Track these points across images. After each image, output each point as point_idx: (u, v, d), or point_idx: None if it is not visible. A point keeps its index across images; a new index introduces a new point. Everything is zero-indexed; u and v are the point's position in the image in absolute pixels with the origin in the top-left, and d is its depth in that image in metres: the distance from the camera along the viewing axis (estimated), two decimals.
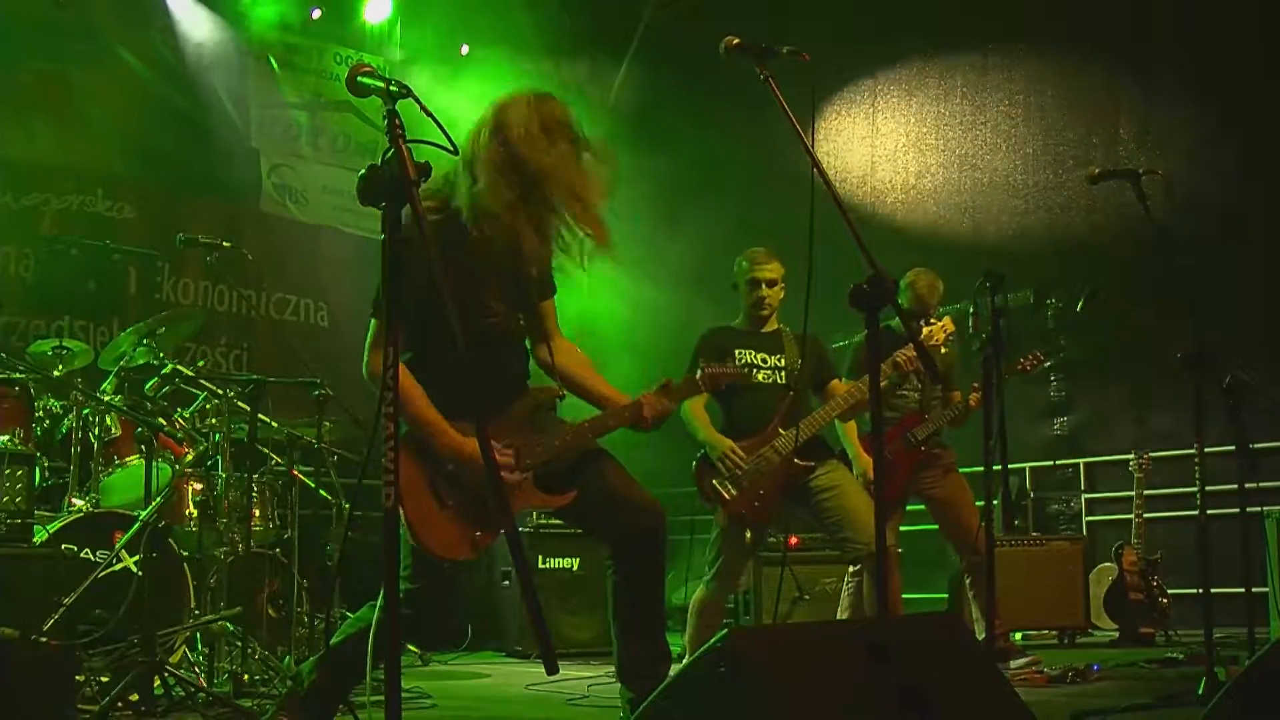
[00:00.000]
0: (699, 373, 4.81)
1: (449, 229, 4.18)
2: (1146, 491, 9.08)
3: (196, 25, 11.19)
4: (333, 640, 4.51)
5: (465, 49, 12.36)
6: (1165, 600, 9.07)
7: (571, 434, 4.45)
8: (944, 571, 9.18)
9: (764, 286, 6.63)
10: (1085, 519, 10.77)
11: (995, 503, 5.81)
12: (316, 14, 11.84)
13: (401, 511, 4.03)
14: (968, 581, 7.41)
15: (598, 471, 4.46)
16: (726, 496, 6.30)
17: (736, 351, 6.55)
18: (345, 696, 4.51)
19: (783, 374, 6.55)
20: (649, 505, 4.50)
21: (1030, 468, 10.76)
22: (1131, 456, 9.15)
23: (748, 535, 6.36)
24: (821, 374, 6.68)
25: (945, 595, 9.16)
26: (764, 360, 6.57)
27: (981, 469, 5.42)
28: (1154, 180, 5.79)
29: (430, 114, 3.75)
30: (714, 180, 11.90)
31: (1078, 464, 10.80)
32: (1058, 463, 10.68)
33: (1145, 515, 9.11)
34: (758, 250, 6.72)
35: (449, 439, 4.14)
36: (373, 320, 4.26)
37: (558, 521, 9.09)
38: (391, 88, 3.18)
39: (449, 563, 4.19)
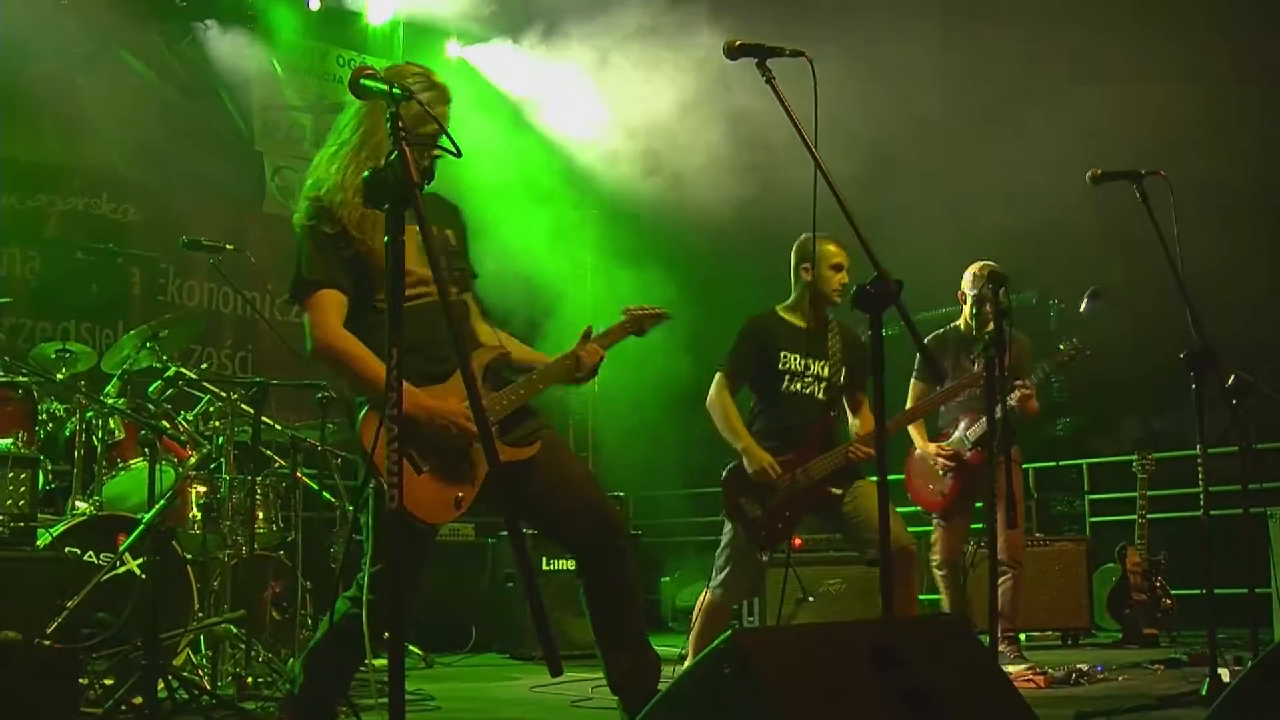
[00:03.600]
0: (623, 314, 4.89)
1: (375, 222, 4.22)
2: (1150, 492, 9.08)
3: (202, 29, 11.19)
4: (311, 641, 4.53)
5: (454, 49, 12.45)
6: (1169, 601, 9.07)
7: (524, 386, 4.47)
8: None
9: (845, 273, 6.40)
10: (1088, 520, 10.78)
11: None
12: (315, 3, 11.81)
13: (378, 480, 3.99)
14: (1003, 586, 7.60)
15: (559, 468, 4.47)
16: (750, 517, 6.18)
17: (783, 354, 6.37)
18: (340, 694, 4.52)
19: (822, 387, 6.36)
20: (608, 514, 4.51)
21: (1033, 468, 10.75)
22: (1135, 457, 9.15)
23: (761, 555, 6.28)
24: (855, 382, 6.48)
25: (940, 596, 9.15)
26: (806, 368, 6.38)
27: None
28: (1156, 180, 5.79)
29: (433, 117, 3.77)
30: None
31: (1081, 465, 10.81)
32: (1060, 463, 10.68)
33: (1148, 516, 9.11)
34: (823, 235, 6.37)
35: (413, 397, 4.06)
36: (304, 302, 4.26)
37: None
38: (394, 90, 3.18)
39: (422, 526, 4.17)
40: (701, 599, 6.48)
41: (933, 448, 7.46)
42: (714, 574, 6.40)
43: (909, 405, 7.47)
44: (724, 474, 6.32)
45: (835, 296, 6.42)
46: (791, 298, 6.55)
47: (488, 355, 4.47)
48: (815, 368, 6.38)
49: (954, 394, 6.95)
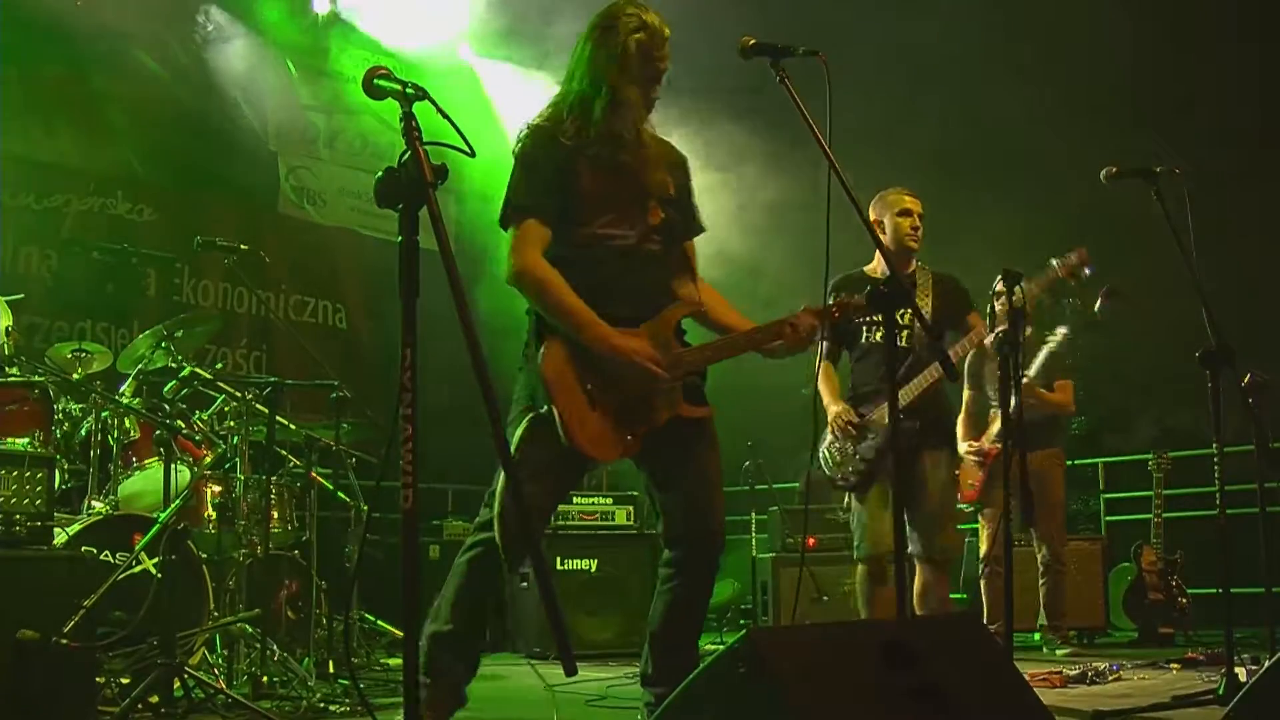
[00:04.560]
0: (833, 298, 4.86)
1: (583, 151, 4.36)
2: (1165, 491, 9.06)
3: (217, 30, 11.21)
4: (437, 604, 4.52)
5: (464, 49, 12.42)
6: (1185, 600, 9.05)
7: (719, 345, 4.52)
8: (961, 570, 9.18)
9: (916, 217, 6.54)
10: (1104, 518, 10.76)
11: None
12: (323, 6, 11.80)
13: (554, 410, 4.14)
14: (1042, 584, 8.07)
15: (705, 463, 4.48)
16: (833, 463, 6.43)
17: None
18: (479, 643, 4.65)
19: (905, 334, 6.40)
20: (718, 528, 4.51)
21: None
22: (1150, 456, 9.14)
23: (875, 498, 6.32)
24: (959, 312, 6.55)
25: (964, 595, 9.16)
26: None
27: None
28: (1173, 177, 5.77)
29: (447, 116, 3.75)
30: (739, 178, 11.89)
31: (1096, 463, 10.78)
32: (1076, 462, 10.66)
33: (1164, 515, 9.09)
34: (903, 188, 6.65)
35: (599, 330, 4.19)
36: (509, 229, 4.33)
37: (577, 522, 9.11)
38: (408, 90, 3.17)
39: (586, 460, 4.29)
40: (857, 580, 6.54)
41: (964, 444, 7.68)
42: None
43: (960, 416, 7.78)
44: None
45: (908, 242, 6.53)
46: (874, 260, 6.65)
47: (681, 311, 4.49)
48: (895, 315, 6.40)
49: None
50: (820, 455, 6.52)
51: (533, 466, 4.16)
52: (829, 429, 6.50)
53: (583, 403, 4.21)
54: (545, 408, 4.16)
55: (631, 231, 4.41)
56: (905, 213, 6.53)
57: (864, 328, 6.50)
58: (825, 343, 6.59)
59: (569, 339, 4.23)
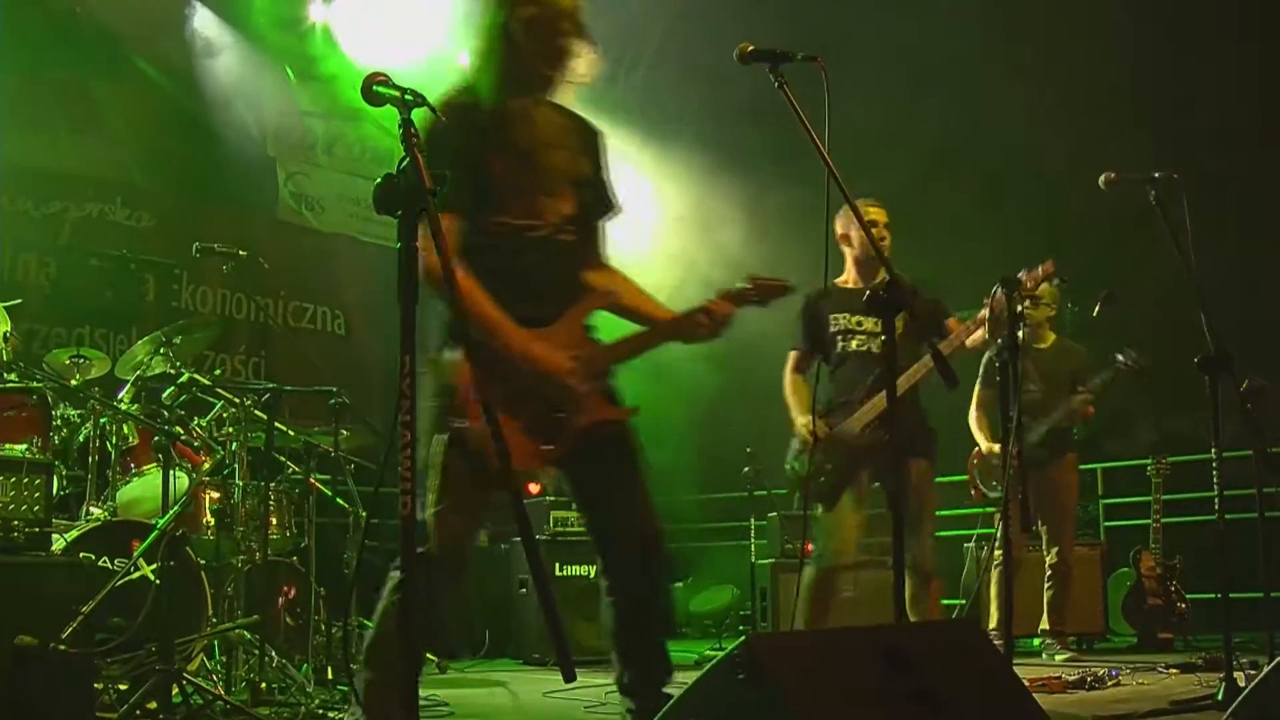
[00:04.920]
0: (749, 280, 4.46)
1: (489, 127, 4.13)
2: (1164, 496, 9.06)
3: (213, 36, 11.20)
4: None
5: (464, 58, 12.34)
6: (1184, 605, 9.05)
7: (635, 340, 4.34)
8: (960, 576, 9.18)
9: (882, 227, 6.52)
10: (1103, 524, 10.75)
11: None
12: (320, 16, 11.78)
13: (465, 421, 3.94)
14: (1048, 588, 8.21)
15: (628, 467, 4.28)
16: (801, 474, 6.42)
17: (831, 317, 6.52)
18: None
19: (878, 342, 6.36)
20: (653, 532, 4.32)
21: None
22: (1149, 461, 9.14)
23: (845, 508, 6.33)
24: (936, 320, 6.48)
25: (962, 601, 9.15)
26: (859, 324, 6.48)
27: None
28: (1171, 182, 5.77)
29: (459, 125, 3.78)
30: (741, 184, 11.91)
31: (1095, 469, 10.78)
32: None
33: (1163, 520, 9.08)
34: (869, 198, 6.55)
35: (513, 337, 4.02)
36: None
37: (575, 529, 9.10)
38: (406, 96, 3.17)
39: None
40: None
41: (997, 447, 7.81)
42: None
43: (973, 414, 8.09)
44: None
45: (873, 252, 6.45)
46: (844, 271, 6.69)
47: (594, 304, 4.30)
48: (868, 324, 6.45)
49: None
50: (787, 467, 6.55)
51: (455, 494, 4.04)
52: (796, 440, 6.52)
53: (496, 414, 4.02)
54: (455, 419, 3.98)
55: (542, 221, 4.18)
56: (871, 224, 6.42)
57: (839, 337, 6.50)
58: (794, 353, 6.65)
59: (481, 346, 3.98)
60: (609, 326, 4.42)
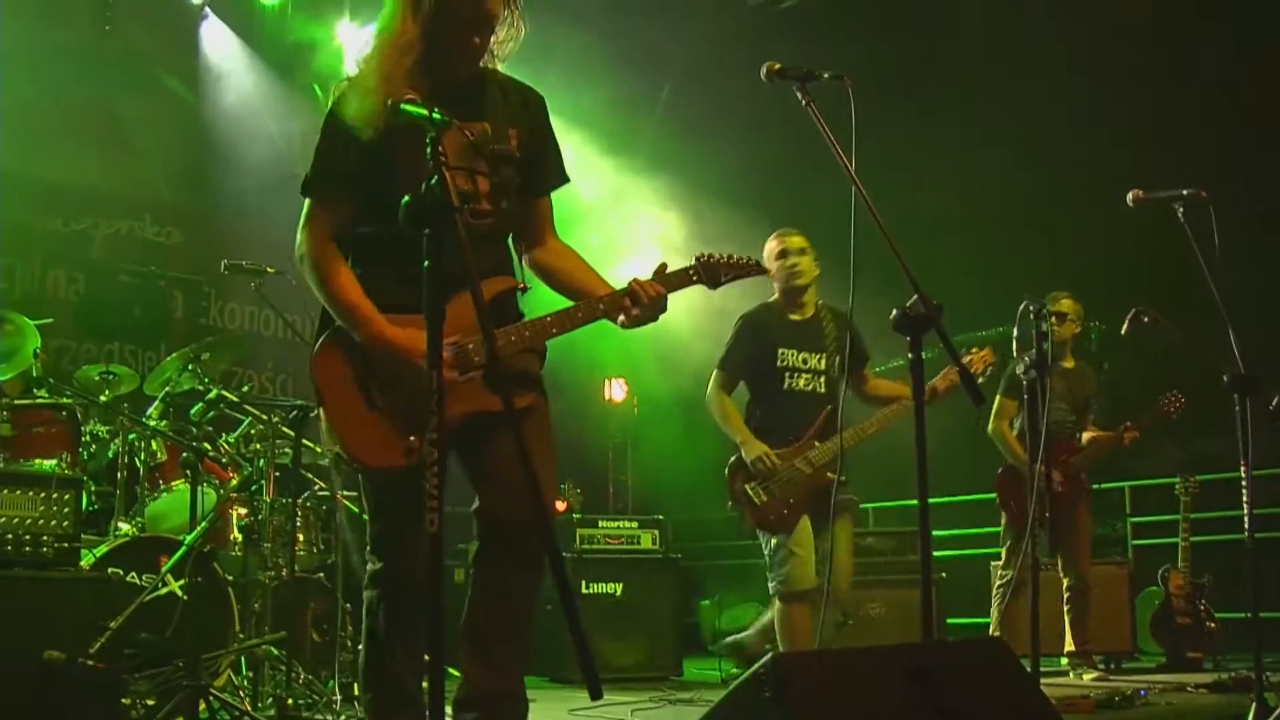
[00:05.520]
0: (694, 259, 4.22)
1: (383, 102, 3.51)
2: (1193, 515, 9.01)
3: (239, 55, 11.27)
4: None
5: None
6: (1213, 624, 8.99)
7: (529, 328, 3.90)
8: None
9: (794, 255, 6.59)
10: (1131, 542, 10.70)
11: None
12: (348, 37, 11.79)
13: (323, 413, 3.80)
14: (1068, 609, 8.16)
15: (518, 451, 3.45)
16: (756, 502, 6.37)
17: (780, 351, 6.56)
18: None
19: (822, 380, 6.56)
20: (522, 521, 3.81)
21: None
22: (1177, 480, 9.08)
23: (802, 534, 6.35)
24: (855, 359, 6.56)
25: (989, 620, 9.11)
26: (804, 362, 6.56)
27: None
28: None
29: (474, 143, 3.76)
30: (761, 204, 11.91)
31: (1123, 487, 10.73)
32: (1102, 485, 10.60)
33: (1192, 539, 9.03)
34: (783, 229, 6.74)
35: (374, 327, 3.74)
36: (305, 200, 3.97)
37: (601, 546, 9.08)
38: (434, 115, 3.16)
39: (368, 469, 3.84)
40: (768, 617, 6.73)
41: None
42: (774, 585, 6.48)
43: (996, 425, 8.15)
44: (726, 469, 6.54)
45: (792, 281, 6.61)
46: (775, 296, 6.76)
47: (496, 287, 3.94)
48: (813, 361, 6.56)
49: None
50: (741, 493, 6.47)
51: (372, 499, 3.96)
52: (742, 468, 6.50)
53: (358, 406, 3.78)
54: (315, 411, 3.89)
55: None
56: (782, 254, 6.61)
57: (786, 373, 6.54)
58: (724, 374, 6.68)
59: (349, 335, 3.79)
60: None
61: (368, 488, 4.00)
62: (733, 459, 6.52)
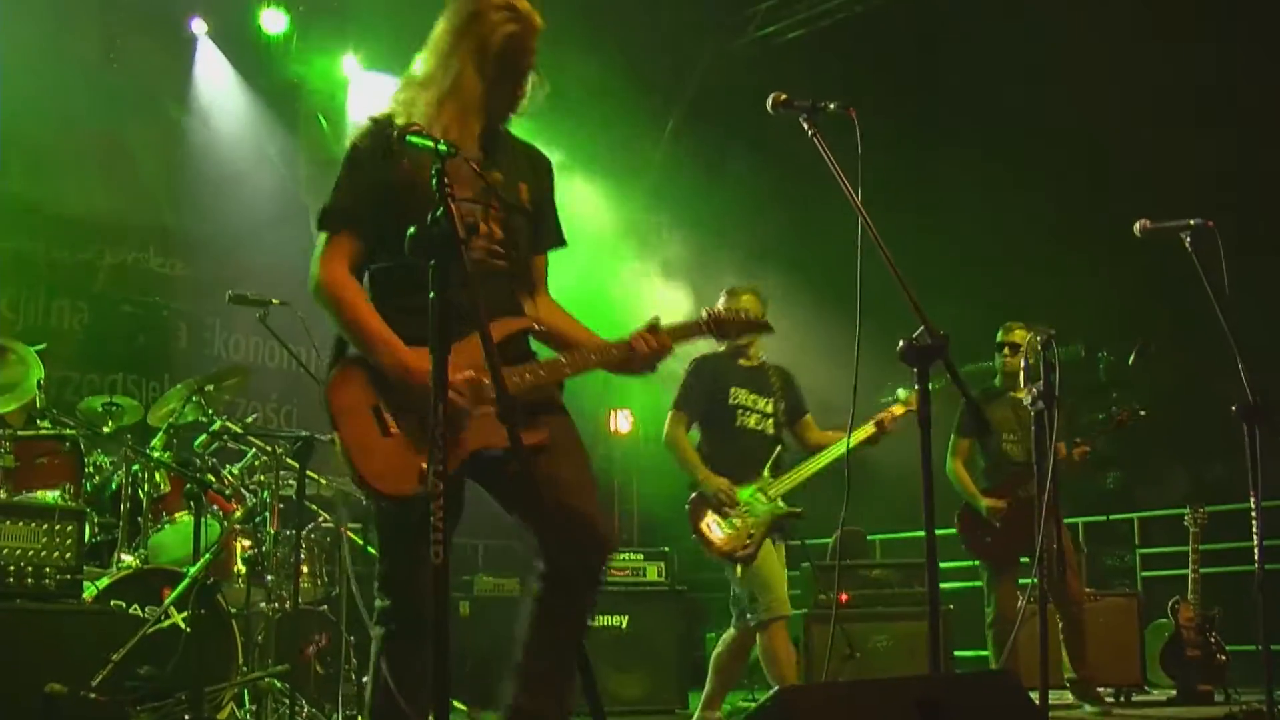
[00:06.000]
0: (703, 312, 4.28)
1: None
2: (1202, 545, 8.95)
3: (236, 85, 11.27)
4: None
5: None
6: (1223, 657, 8.91)
7: (546, 368, 3.96)
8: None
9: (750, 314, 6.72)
10: (1140, 574, 10.64)
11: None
12: (354, 67, 11.80)
13: (337, 439, 3.75)
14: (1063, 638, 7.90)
15: (560, 459, 3.86)
16: (721, 534, 6.61)
17: (732, 390, 6.86)
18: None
19: (770, 423, 6.87)
20: (603, 533, 3.90)
21: (1083, 522, 10.63)
22: (1186, 510, 9.02)
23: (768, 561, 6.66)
24: (796, 409, 7.01)
25: (990, 653, 9.05)
26: (754, 403, 6.88)
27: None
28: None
29: (480, 174, 3.74)
30: (764, 233, 11.91)
31: (1131, 518, 10.68)
32: (1111, 517, 10.55)
33: (1201, 570, 8.96)
34: (736, 287, 7.04)
35: (398, 354, 3.72)
36: (321, 234, 3.98)
37: (607, 579, 9.01)
38: (440, 146, 3.16)
39: (383, 500, 3.76)
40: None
41: (986, 501, 7.69)
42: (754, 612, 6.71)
43: (952, 464, 7.80)
44: (687, 505, 6.78)
45: (742, 340, 6.73)
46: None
47: (511, 327, 3.96)
48: (763, 404, 6.88)
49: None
50: (704, 527, 6.68)
51: (382, 533, 3.91)
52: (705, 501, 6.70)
53: (373, 432, 3.75)
54: (329, 436, 3.80)
55: (474, 247, 3.80)
56: (738, 311, 6.65)
57: (739, 411, 6.84)
58: (683, 414, 6.89)
59: (367, 362, 3.79)
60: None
61: (378, 519, 3.97)
62: (694, 495, 6.74)
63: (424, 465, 3.67)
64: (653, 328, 4.08)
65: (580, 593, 3.90)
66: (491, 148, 4.03)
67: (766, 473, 6.73)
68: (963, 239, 11.32)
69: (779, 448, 6.85)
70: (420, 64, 4.00)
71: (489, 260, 3.90)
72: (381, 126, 3.85)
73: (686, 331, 4.19)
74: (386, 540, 3.95)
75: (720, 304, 6.81)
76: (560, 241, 4.24)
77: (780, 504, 6.65)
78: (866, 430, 6.56)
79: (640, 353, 4.02)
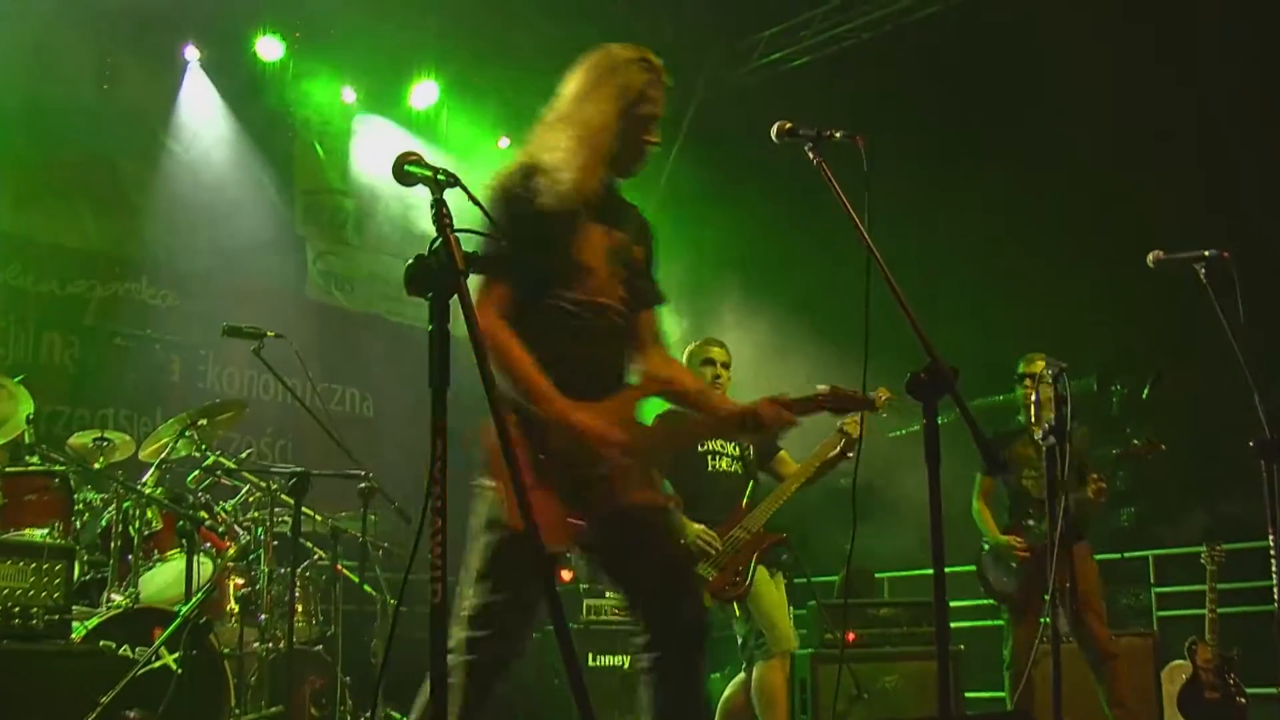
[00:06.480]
0: (822, 388, 4.38)
1: (571, 209, 4.00)
2: (1220, 584, 8.82)
3: (226, 115, 11.20)
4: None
5: (505, 142, 12.28)
6: (1243, 699, 8.78)
7: (686, 425, 4.35)
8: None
9: (718, 366, 6.99)
10: (1156, 614, 10.50)
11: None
12: (350, 97, 11.82)
13: (495, 486, 3.85)
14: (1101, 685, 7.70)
15: (665, 549, 4.15)
16: (708, 580, 6.59)
17: None
18: None
19: (740, 465, 7.00)
20: (693, 616, 4.13)
21: (1097, 560, 10.50)
22: (1203, 548, 8.89)
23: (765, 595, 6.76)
24: (768, 449, 7.06)
25: (1005, 695, 8.92)
26: (723, 447, 6.98)
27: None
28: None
29: (479, 203, 3.65)
30: (767, 263, 11.86)
31: (1147, 556, 10.56)
32: (1125, 555, 10.43)
33: (1219, 609, 8.83)
34: (709, 338, 7.22)
35: (559, 405, 3.84)
36: (481, 280, 4.00)
37: (609, 618, 8.96)
38: (439, 176, 3.10)
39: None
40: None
41: (1005, 539, 7.58)
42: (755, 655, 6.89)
43: (976, 504, 7.84)
44: None
45: (715, 389, 6.85)
46: None
47: (648, 389, 4.23)
48: (730, 448, 7.01)
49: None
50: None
51: (496, 571, 3.91)
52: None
53: (527, 477, 3.70)
54: (485, 480, 3.86)
55: (603, 300, 4.08)
56: (708, 362, 7.01)
57: (710, 457, 6.94)
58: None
59: (519, 410, 3.87)
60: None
61: (489, 553, 3.93)
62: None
63: (572, 519, 3.86)
64: (776, 401, 4.20)
65: (686, 681, 4.10)
66: (617, 206, 4.23)
67: (743, 507, 6.80)
68: (971, 269, 11.25)
69: (752, 484, 6.93)
70: (556, 110, 4.19)
71: (612, 316, 4.11)
72: (538, 177, 4.01)
73: (806, 406, 4.28)
74: (497, 576, 3.92)
75: (685, 355, 7.01)
76: (661, 299, 4.39)
77: (761, 531, 6.69)
78: (834, 443, 6.63)
79: (762, 420, 4.16)
